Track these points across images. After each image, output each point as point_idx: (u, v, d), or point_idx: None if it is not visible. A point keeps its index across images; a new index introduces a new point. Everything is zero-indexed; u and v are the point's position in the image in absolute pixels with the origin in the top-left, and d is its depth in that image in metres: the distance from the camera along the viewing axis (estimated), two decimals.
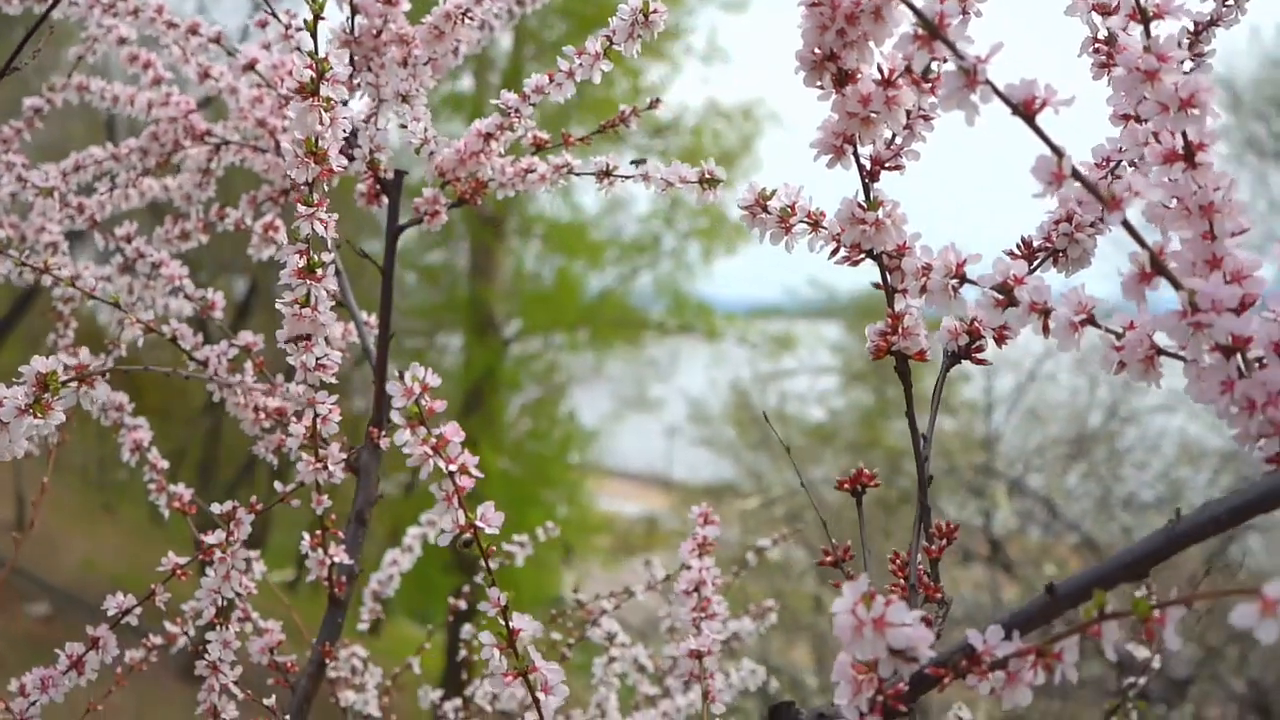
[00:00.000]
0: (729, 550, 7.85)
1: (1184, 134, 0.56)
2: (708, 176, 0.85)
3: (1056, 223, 0.71)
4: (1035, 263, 0.72)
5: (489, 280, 11.42)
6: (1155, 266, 0.54)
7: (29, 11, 1.26)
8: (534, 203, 12.04)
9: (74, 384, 0.69)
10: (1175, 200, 0.57)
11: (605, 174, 0.97)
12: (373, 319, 1.16)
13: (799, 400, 10.54)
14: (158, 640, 1.17)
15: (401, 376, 0.63)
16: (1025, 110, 0.53)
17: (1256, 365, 0.54)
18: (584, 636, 1.37)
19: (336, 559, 1.01)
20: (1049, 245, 0.72)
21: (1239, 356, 0.53)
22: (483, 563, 0.66)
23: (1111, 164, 0.73)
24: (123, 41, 1.23)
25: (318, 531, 1.00)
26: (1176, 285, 0.53)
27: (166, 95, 1.22)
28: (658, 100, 1.04)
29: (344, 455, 0.95)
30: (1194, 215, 0.56)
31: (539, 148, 1.03)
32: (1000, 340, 0.71)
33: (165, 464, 1.14)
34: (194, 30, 1.13)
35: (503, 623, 0.67)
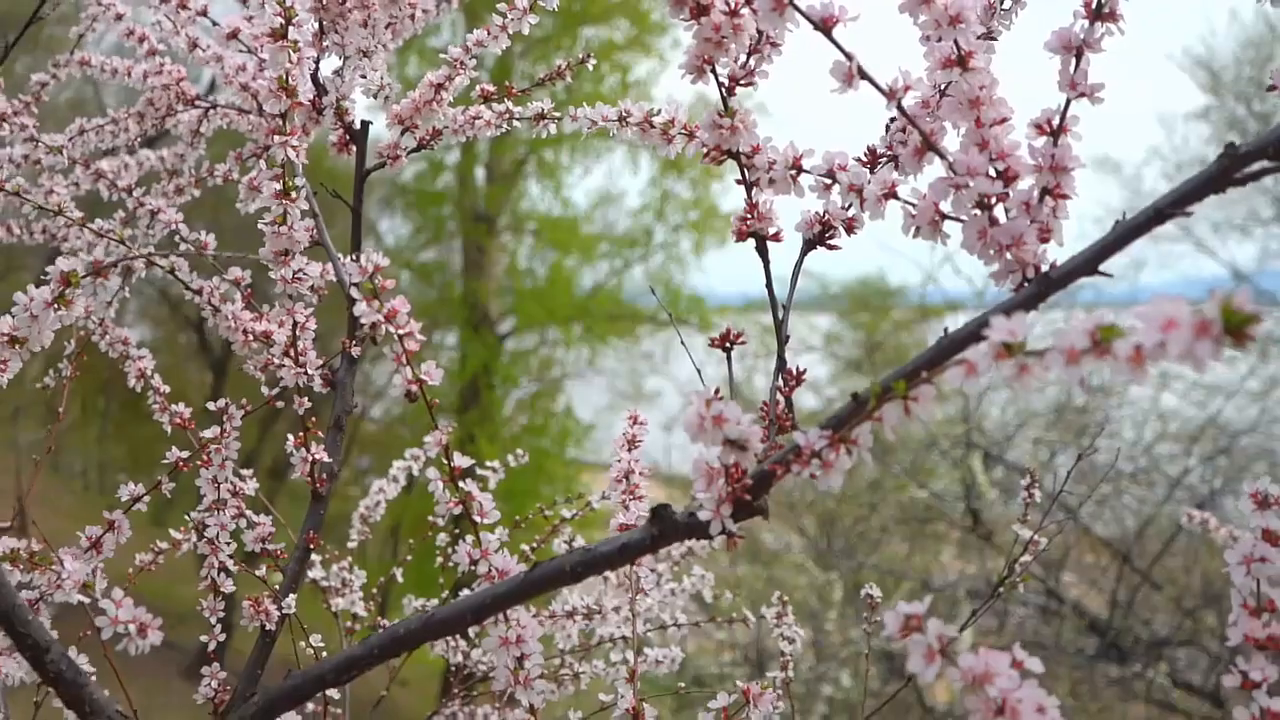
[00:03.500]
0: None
1: (956, 43, 0.72)
2: (624, 114, 1.00)
3: (893, 133, 0.87)
4: (878, 165, 0.87)
5: (483, 277, 11.57)
6: (926, 144, 0.70)
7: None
8: (526, 199, 12.20)
9: (90, 278, 0.84)
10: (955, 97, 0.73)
11: (540, 117, 1.13)
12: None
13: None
14: (164, 545, 1.32)
15: (357, 259, 0.79)
16: (824, 25, 0.69)
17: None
18: (545, 542, 1.52)
19: (318, 457, 1.16)
20: (890, 151, 0.87)
21: (991, 211, 0.69)
22: (427, 409, 0.82)
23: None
24: (119, 18, 1.38)
25: (300, 433, 1.15)
26: (943, 157, 0.69)
27: (160, 65, 1.38)
28: (588, 56, 1.20)
29: (321, 362, 1.11)
30: (966, 108, 0.71)
31: (486, 99, 1.19)
32: (849, 230, 0.87)
33: (167, 388, 1.30)
34: (183, 5, 1.29)
35: (445, 461, 0.83)
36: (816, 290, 10.85)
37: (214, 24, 1.28)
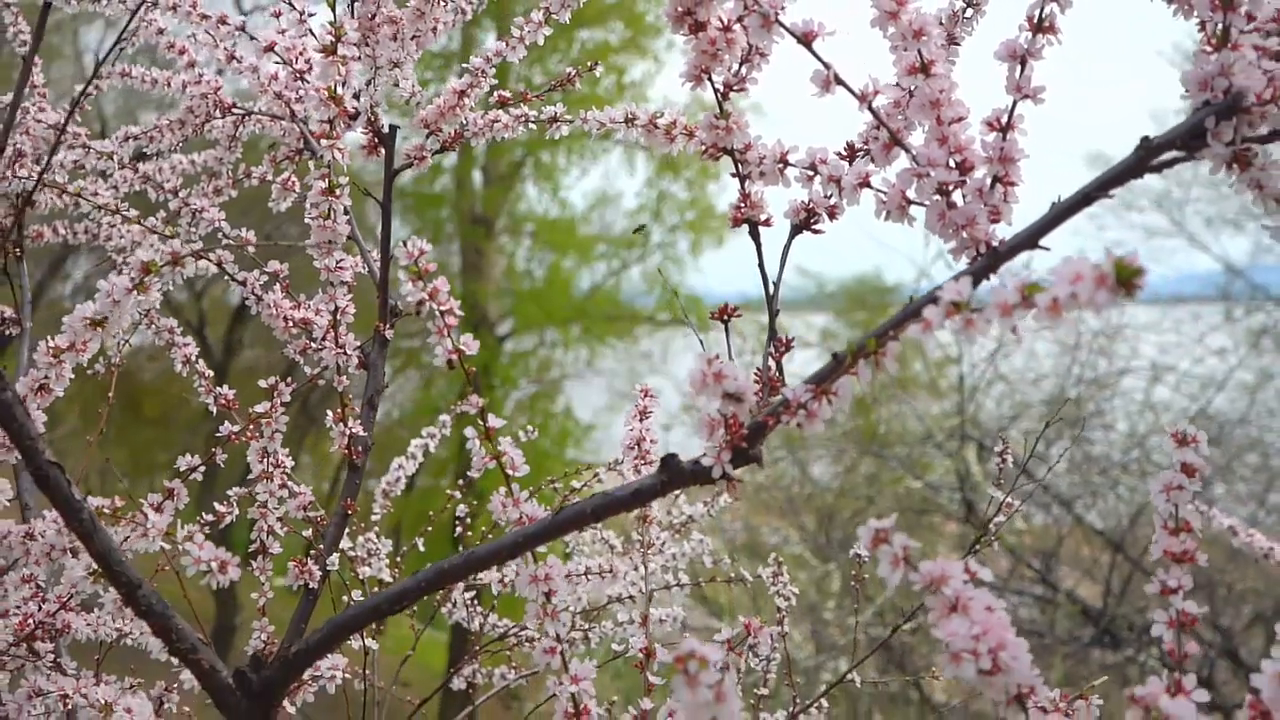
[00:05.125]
0: (729, 535, 8.13)
1: (920, 53, 0.83)
2: (630, 116, 1.12)
3: (869, 128, 0.98)
4: (855, 158, 0.99)
5: (481, 279, 11.69)
6: (894, 140, 0.82)
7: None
8: (524, 201, 12.31)
9: (169, 266, 0.96)
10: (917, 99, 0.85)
11: (553, 120, 1.25)
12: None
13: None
14: (209, 518, 1.44)
15: (405, 243, 0.90)
16: (805, 39, 0.80)
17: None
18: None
19: (354, 431, 1.28)
20: (865, 146, 0.99)
21: (950, 197, 0.81)
22: (464, 375, 0.93)
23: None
24: (161, 32, 1.50)
25: (339, 409, 1.27)
26: (908, 151, 0.81)
27: (199, 76, 1.50)
28: (595, 64, 1.32)
29: (359, 344, 1.23)
30: (928, 108, 0.83)
31: (503, 104, 1.31)
32: (831, 216, 0.99)
33: (211, 373, 1.41)
34: (223, 21, 1.40)
35: (481, 421, 0.95)
36: (813, 289, 10.97)
37: (251, 38, 1.40)
